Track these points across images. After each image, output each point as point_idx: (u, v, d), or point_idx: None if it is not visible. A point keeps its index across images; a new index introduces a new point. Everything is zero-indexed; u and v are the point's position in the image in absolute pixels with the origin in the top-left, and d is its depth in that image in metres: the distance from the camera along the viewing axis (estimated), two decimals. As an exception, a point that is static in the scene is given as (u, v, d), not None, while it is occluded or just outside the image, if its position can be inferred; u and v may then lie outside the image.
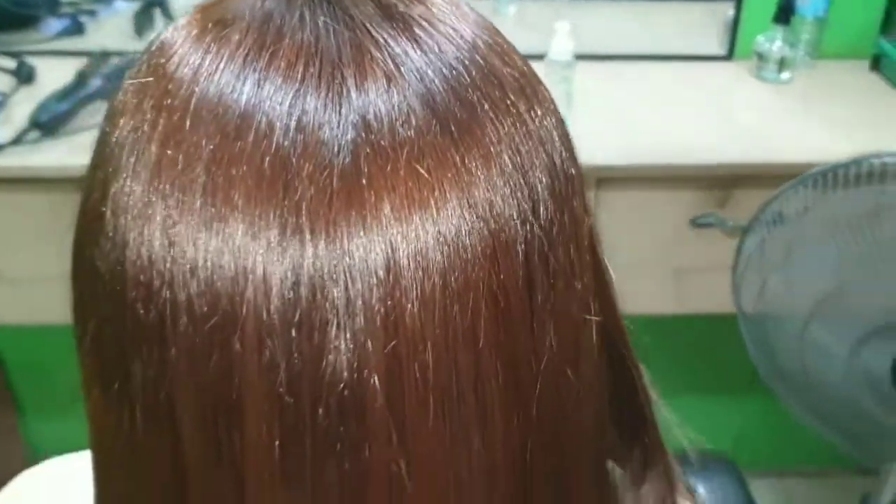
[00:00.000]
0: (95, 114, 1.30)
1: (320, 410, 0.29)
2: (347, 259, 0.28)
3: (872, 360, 1.01)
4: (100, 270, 0.31)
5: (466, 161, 0.30)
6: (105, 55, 1.36)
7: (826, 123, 1.41)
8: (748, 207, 1.22)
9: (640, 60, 1.59)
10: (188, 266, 0.28)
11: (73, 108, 1.28)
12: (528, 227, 0.31)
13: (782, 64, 1.53)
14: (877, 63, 1.59)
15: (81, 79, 1.31)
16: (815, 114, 1.44)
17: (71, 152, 1.25)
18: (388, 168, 0.28)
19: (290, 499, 0.30)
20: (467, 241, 0.29)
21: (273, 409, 0.29)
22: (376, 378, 0.28)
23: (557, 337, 0.32)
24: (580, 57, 1.38)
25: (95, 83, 1.28)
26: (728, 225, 1.34)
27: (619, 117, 1.41)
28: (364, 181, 0.28)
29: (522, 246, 0.31)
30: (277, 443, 0.29)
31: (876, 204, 0.98)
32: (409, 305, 0.28)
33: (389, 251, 0.28)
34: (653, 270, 1.41)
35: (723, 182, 1.34)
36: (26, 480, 0.51)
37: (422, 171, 0.29)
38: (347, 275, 0.28)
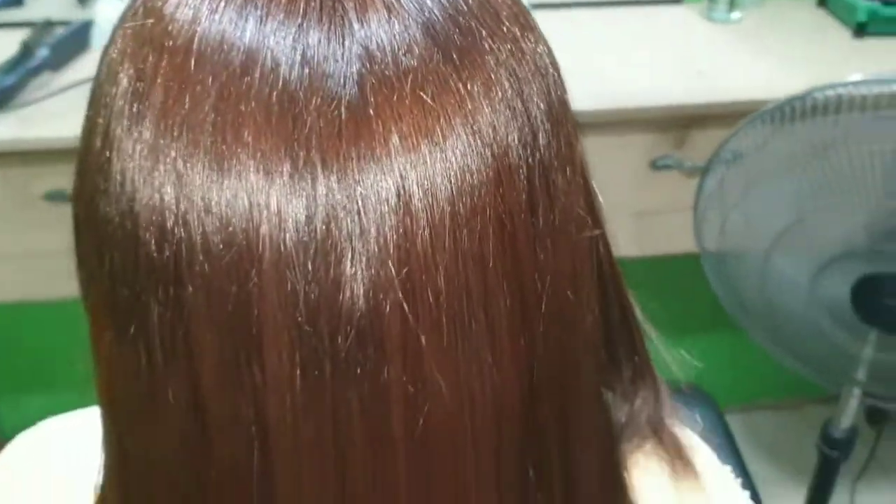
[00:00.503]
0: (44, 86, 1.27)
1: (339, 339, 0.29)
2: (360, 189, 0.28)
3: (832, 287, 1.04)
4: (108, 216, 0.31)
5: (468, 87, 0.30)
6: (49, 24, 1.33)
7: (777, 60, 1.43)
8: (706, 147, 1.24)
9: (592, 7, 1.59)
10: (202, 205, 0.29)
11: (20, 81, 1.25)
12: (528, 151, 0.32)
13: (732, 4, 1.55)
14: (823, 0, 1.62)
15: (27, 50, 1.27)
16: (767, 52, 1.46)
17: (21, 126, 1.22)
18: (394, 98, 0.29)
19: (311, 427, 0.31)
20: (472, 166, 0.30)
21: (293, 340, 0.29)
22: (392, 303, 0.29)
23: (558, 258, 0.34)
24: (535, 6, 1.38)
25: (42, 54, 1.25)
26: (686, 166, 1.36)
27: (574, 64, 1.40)
28: (371, 112, 0.29)
29: (524, 170, 0.31)
30: (298, 372, 0.30)
31: (830, 135, 1.00)
32: (420, 232, 0.29)
33: (399, 180, 0.29)
34: (613, 214, 1.42)
35: (679, 123, 1.36)
36: (24, 442, 0.51)
37: (426, 98, 0.29)
38: (360, 205, 0.28)
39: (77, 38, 1.33)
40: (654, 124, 1.35)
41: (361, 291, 0.29)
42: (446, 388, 0.31)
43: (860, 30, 1.49)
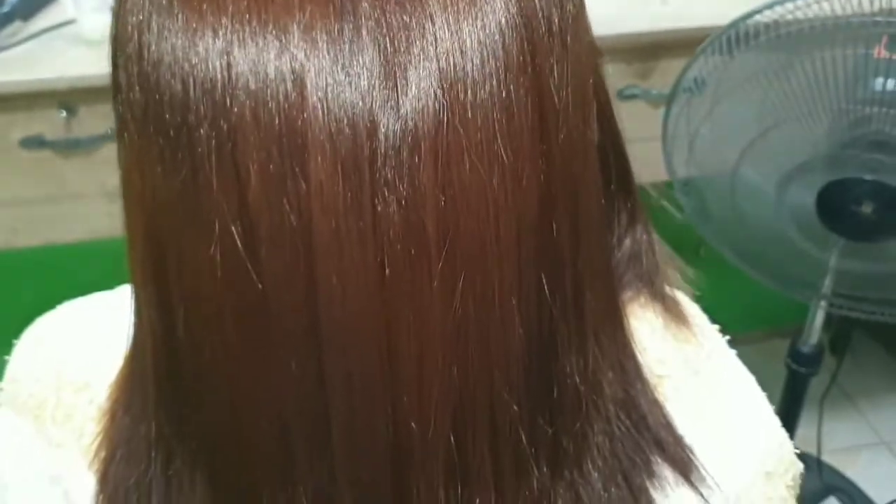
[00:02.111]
0: (13, 35, 1.27)
1: (377, 142, 0.32)
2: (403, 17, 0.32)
3: (798, 196, 1.09)
4: (158, 52, 0.33)
5: None
6: (15, -26, 1.32)
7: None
8: (671, 77, 1.27)
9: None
10: (248, 29, 0.32)
11: (-12, 30, 1.24)
12: None
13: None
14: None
15: (-6, 0, 1.26)
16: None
17: (-7, 74, 1.22)
18: None
19: (353, 231, 0.33)
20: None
21: (335, 147, 0.32)
22: (427, 108, 0.33)
23: (573, 76, 0.37)
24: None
25: (11, 2, 1.25)
26: (653, 94, 1.39)
27: None
28: None
29: None
30: (340, 178, 0.32)
31: (790, 49, 1.04)
32: (455, 46, 0.33)
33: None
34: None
35: (644, 54, 1.39)
36: (46, 324, 0.53)
37: None
38: (403, 21, 0.32)
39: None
40: (620, 54, 1.38)
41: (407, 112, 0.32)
42: (473, 192, 0.34)
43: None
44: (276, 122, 0.32)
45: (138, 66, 0.35)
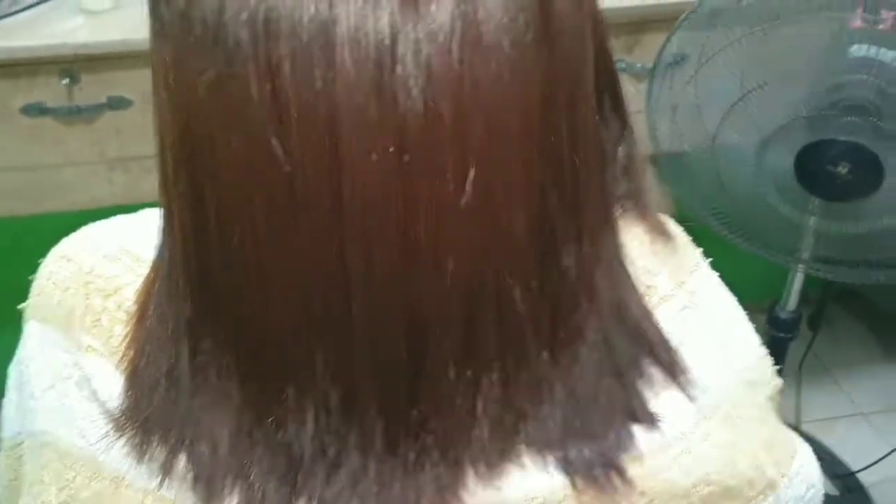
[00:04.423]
0: (15, 2, 1.29)
1: (401, 42, 0.36)
2: None
3: (777, 159, 1.13)
4: None
5: None
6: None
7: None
8: (655, 50, 1.31)
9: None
10: None
11: (-11, 0, 1.26)
12: None
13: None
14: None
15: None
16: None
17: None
18: None
19: (374, 113, 0.37)
20: None
21: (361, 40, 0.36)
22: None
23: (575, 8, 0.41)
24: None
25: (11, -29, 1.27)
26: (636, 68, 1.43)
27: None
28: None
29: None
30: (365, 64, 0.36)
31: (771, 16, 1.08)
32: None
33: None
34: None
35: (629, 28, 1.43)
36: (70, 243, 0.56)
37: None
38: None
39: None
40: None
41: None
42: (485, 85, 0.38)
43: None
44: (308, 16, 0.36)
45: None
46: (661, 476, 0.47)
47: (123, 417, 0.47)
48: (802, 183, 1.13)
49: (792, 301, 1.45)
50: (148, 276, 0.49)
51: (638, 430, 0.47)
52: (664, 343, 0.50)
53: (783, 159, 1.12)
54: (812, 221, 1.20)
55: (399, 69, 0.36)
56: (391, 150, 0.37)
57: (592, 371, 0.47)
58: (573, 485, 0.45)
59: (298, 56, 0.36)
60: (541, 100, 0.40)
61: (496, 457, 0.44)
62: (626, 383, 0.48)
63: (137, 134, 1.30)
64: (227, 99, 0.38)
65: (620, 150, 0.52)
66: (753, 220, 1.23)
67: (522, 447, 0.45)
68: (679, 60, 1.24)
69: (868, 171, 1.06)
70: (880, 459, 1.75)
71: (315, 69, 0.36)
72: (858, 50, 1.07)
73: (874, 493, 1.75)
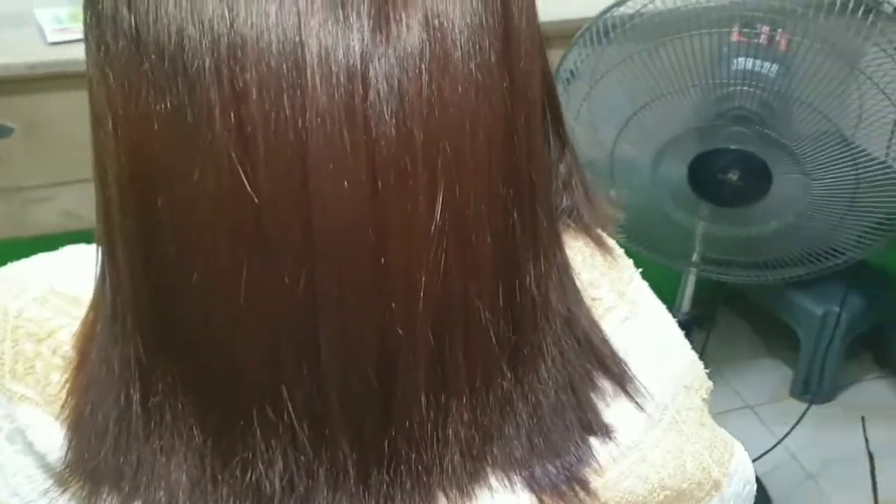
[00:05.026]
0: None
1: (373, 66, 0.36)
2: None
3: (672, 169, 1.18)
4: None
5: None
6: None
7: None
8: (552, 67, 1.34)
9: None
10: None
11: None
12: None
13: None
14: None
15: None
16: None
17: None
18: None
19: (347, 138, 0.36)
20: None
21: (332, 64, 0.35)
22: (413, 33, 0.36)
23: (528, 17, 0.41)
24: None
25: None
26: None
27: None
28: None
29: None
30: (336, 89, 0.35)
31: (659, 33, 1.13)
32: None
33: None
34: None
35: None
36: (9, 270, 0.52)
37: None
38: None
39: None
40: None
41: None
42: (454, 106, 0.38)
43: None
44: (276, 39, 0.35)
45: None
46: (622, 486, 0.48)
47: (68, 469, 0.44)
48: (696, 190, 1.18)
49: (686, 303, 1.51)
50: (87, 318, 0.46)
51: (595, 442, 0.48)
52: (613, 354, 0.51)
53: (677, 169, 1.17)
54: (702, 227, 1.26)
55: (372, 94, 0.36)
56: (363, 177, 0.37)
57: (551, 387, 0.47)
58: (540, 503, 0.45)
59: (266, 82, 0.35)
60: (504, 118, 0.40)
61: (466, 481, 0.44)
62: (581, 397, 0.49)
63: (18, 163, 1.23)
64: (187, 129, 0.36)
65: (562, 167, 0.53)
66: (651, 229, 1.28)
67: (489, 469, 0.45)
68: (574, 77, 1.27)
69: (757, 178, 1.12)
70: (770, 450, 1.85)
71: (284, 95, 0.35)
72: (741, 63, 1.13)
73: (766, 482, 1.84)
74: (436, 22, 0.37)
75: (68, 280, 0.50)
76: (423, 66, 0.36)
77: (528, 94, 0.43)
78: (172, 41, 0.36)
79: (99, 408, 0.44)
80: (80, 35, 0.37)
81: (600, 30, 1.17)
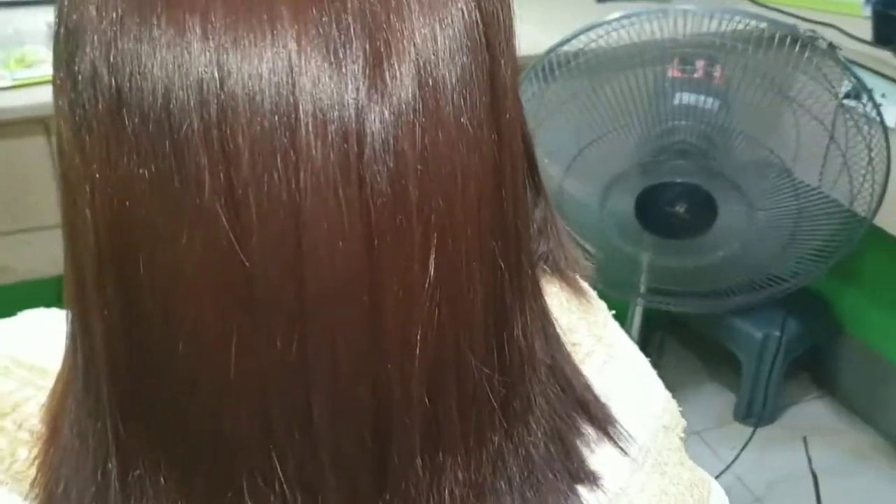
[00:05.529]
0: None
1: (367, 124, 0.35)
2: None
3: (619, 203, 1.19)
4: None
5: None
6: None
7: (538, 22, 1.58)
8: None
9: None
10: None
11: None
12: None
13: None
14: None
15: None
16: (525, 18, 1.60)
17: None
18: None
19: (342, 197, 0.35)
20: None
21: (326, 123, 0.34)
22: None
23: (511, 70, 0.41)
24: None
25: None
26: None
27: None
28: None
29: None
30: (330, 148, 0.34)
31: (599, 71, 1.15)
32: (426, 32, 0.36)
33: None
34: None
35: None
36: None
37: None
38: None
39: None
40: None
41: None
42: (447, 160, 0.37)
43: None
44: (269, 99, 0.34)
45: (107, 49, 0.35)
46: None
47: None
48: (644, 224, 1.20)
49: (633, 331, 1.53)
50: (55, 389, 0.44)
51: (583, 491, 0.48)
52: (596, 400, 0.51)
53: (625, 203, 1.19)
54: (648, 258, 1.28)
55: (367, 152, 0.35)
56: (358, 236, 0.36)
57: (540, 438, 0.47)
58: None
59: (259, 143, 0.34)
60: (493, 171, 0.40)
61: None
62: (568, 445, 0.48)
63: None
64: (174, 193, 0.35)
65: (537, 212, 0.53)
66: (598, 260, 1.29)
67: None
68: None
69: (704, 209, 1.14)
70: (719, 475, 1.87)
71: (277, 156, 0.34)
72: (682, 98, 1.16)
73: (716, 507, 1.86)
74: (428, 76, 0.36)
75: (31, 349, 0.48)
76: (416, 120, 0.36)
77: (513, 145, 0.42)
78: (158, 103, 0.34)
79: (73, 484, 0.42)
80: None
81: (545, 67, 1.19)
